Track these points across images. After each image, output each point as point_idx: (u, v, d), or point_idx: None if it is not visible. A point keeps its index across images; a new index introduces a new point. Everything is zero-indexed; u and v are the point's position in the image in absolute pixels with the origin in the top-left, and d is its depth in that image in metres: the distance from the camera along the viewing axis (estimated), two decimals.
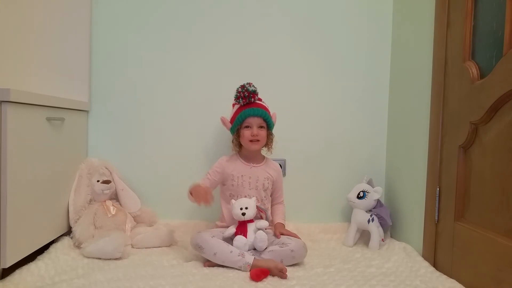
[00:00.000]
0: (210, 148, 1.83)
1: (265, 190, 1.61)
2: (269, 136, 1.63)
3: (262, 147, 1.65)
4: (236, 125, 1.59)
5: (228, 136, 1.70)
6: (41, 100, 1.35)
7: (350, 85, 1.88)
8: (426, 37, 1.54)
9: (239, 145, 1.62)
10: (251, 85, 1.57)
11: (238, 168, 1.60)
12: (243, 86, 1.57)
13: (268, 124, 1.61)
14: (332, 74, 1.87)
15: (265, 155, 1.70)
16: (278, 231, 1.51)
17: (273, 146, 1.66)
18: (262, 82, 1.68)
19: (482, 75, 1.26)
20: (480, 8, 1.29)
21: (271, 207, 1.67)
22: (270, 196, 1.66)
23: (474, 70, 1.28)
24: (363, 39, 1.87)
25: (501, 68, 1.15)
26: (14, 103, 1.20)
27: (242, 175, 1.59)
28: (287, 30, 1.85)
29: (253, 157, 1.63)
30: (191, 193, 1.48)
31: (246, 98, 1.56)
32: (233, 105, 1.64)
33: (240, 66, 1.83)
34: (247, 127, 1.57)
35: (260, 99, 1.62)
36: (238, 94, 1.57)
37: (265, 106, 1.61)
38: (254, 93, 1.57)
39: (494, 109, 1.18)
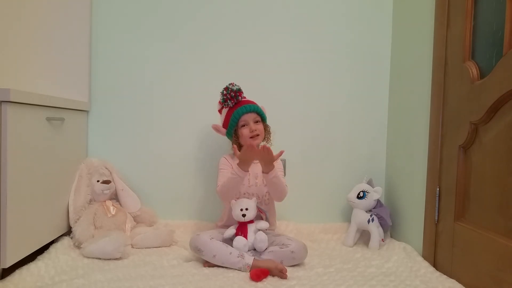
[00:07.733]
0: (210, 149, 1.83)
1: (265, 186, 1.60)
2: (266, 128, 1.63)
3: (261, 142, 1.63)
4: (232, 127, 1.57)
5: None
6: (41, 100, 1.35)
7: (350, 85, 1.88)
8: (426, 37, 1.54)
9: (240, 147, 1.62)
10: (234, 85, 1.57)
11: None
12: (227, 88, 1.56)
13: (262, 117, 1.60)
14: (332, 74, 1.87)
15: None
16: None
17: (271, 138, 1.64)
18: (262, 82, 1.68)
19: (482, 75, 1.25)
20: (480, 8, 1.29)
21: None
22: None
23: (474, 70, 1.28)
24: (363, 39, 1.87)
25: (501, 68, 1.15)
26: (14, 103, 1.20)
27: None
28: (286, 30, 1.85)
29: None
30: (243, 161, 1.44)
31: (234, 98, 1.56)
32: (220, 110, 1.63)
33: (240, 65, 1.83)
34: (243, 125, 1.56)
35: (244, 97, 1.61)
36: (225, 97, 1.56)
37: (253, 101, 1.60)
38: (239, 91, 1.57)
39: (494, 109, 1.18)
